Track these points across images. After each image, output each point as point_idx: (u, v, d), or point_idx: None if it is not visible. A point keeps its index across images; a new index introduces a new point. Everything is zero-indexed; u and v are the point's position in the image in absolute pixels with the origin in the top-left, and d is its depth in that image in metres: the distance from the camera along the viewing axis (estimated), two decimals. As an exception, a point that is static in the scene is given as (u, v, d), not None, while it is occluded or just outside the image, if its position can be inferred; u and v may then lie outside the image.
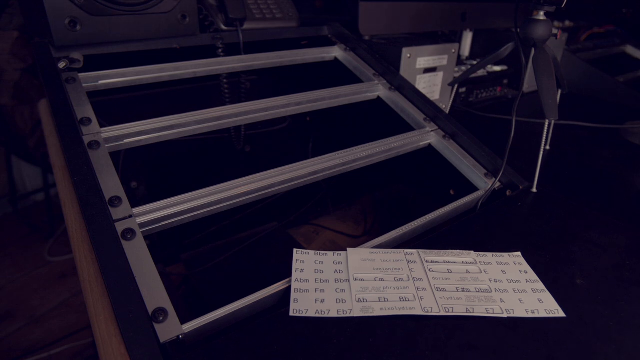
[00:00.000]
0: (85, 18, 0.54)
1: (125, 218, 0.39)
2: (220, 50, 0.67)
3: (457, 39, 0.99)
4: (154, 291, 0.34)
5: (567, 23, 1.28)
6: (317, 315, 0.36)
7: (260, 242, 0.81)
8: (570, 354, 0.33)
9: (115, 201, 0.40)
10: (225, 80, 0.69)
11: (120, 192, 0.41)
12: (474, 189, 0.56)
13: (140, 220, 0.40)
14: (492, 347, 0.34)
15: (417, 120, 0.63)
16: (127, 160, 0.74)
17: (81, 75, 0.54)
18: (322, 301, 0.37)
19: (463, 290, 0.39)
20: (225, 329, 0.36)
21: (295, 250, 0.42)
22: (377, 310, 0.36)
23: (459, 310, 0.36)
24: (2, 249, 1.77)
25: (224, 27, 0.68)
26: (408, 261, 0.42)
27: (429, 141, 0.61)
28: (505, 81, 0.98)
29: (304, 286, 0.38)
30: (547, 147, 0.71)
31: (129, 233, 0.38)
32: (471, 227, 0.47)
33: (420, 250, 0.43)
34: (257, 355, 0.32)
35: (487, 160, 0.56)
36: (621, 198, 0.57)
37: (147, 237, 0.40)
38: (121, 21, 0.57)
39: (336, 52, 0.75)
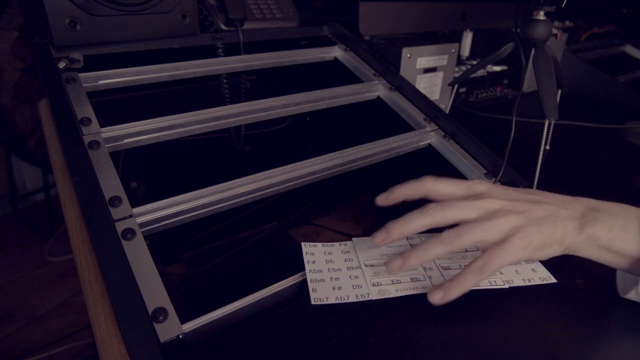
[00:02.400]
0: (85, 18, 0.54)
1: (125, 218, 0.39)
2: (220, 50, 0.67)
3: (457, 39, 0.99)
4: (154, 291, 0.34)
5: (567, 23, 1.28)
6: (337, 301, 0.37)
7: (260, 242, 0.81)
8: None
9: (115, 201, 0.40)
10: (225, 80, 0.69)
11: (120, 192, 0.41)
12: (474, 189, 0.56)
13: (140, 220, 0.40)
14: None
15: (417, 120, 0.63)
16: (127, 160, 0.74)
17: (81, 75, 0.54)
18: (340, 288, 0.39)
19: None
20: (225, 329, 0.36)
21: (303, 243, 0.44)
22: (393, 291, 0.38)
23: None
24: (2, 249, 1.77)
25: (224, 27, 0.68)
26: (411, 245, 0.44)
27: (429, 141, 0.61)
28: (505, 81, 0.98)
29: (318, 276, 0.40)
30: (547, 147, 0.71)
31: (129, 233, 0.38)
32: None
33: (421, 235, 0.45)
34: (257, 355, 0.32)
35: (487, 160, 0.56)
36: (621, 198, 0.57)
37: (147, 237, 0.40)
38: (121, 21, 0.57)
39: (336, 52, 0.75)
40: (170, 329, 0.32)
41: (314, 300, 0.37)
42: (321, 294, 0.38)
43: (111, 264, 0.35)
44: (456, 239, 0.35)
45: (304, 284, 0.40)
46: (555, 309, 0.38)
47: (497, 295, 0.39)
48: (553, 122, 0.59)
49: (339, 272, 0.41)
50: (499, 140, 0.57)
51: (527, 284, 0.40)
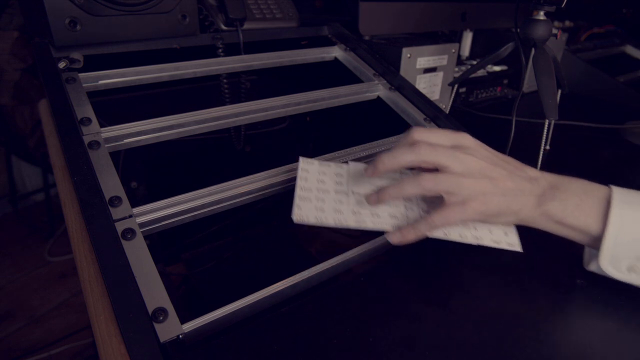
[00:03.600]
0: (85, 18, 0.54)
1: (125, 218, 0.39)
2: (220, 50, 0.67)
3: (457, 39, 0.99)
4: (154, 291, 0.34)
5: (567, 23, 1.28)
6: (317, 222, 0.40)
7: (260, 242, 0.81)
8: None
9: (115, 201, 0.40)
10: (225, 80, 0.69)
11: (120, 192, 0.41)
12: (474, 189, 0.56)
13: (140, 220, 0.40)
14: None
15: (417, 120, 0.63)
16: (127, 160, 0.74)
17: (81, 75, 0.54)
18: (322, 210, 0.41)
19: None
20: (225, 329, 0.36)
21: (301, 158, 0.45)
22: (369, 224, 0.41)
23: (437, 234, 0.40)
24: (2, 249, 1.77)
25: (224, 27, 0.68)
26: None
27: (429, 141, 0.61)
28: (505, 81, 0.98)
29: (306, 194, 0.42)
30: (547, 147, 0.71)
31: (129, 233, 0.38)
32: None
33: (414, 171, 0.46)
34: (257, 355, 0.32)
35: (487, 160, 0.56)
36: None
37: (147, 237, 0.40)
38: (121, 21, 0.57)
39: (336, 52, 0.75)
40: (170, 329, 0.32)
41: (295, 218, 0.39)
42: (304, 212, 0.40)
43: (111, 264, 0.35)
44: (430, 184, 0.38)
45: (304, 284, 0.40)
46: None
47: (498, 297, 0.39)
48: (553, 122, 0.59)
49: (326, 194, 0.42)
50: (499, 140, 0.57)
51: (495, 245, 0.41)
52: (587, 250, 0.42)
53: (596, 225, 0.37)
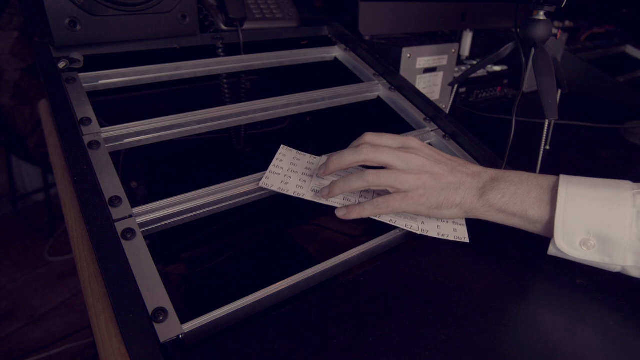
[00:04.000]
0: (85, 18, 0.54)
1: (125, 218, 0.39)
2: (220, 50, 0.67)
3: (457, 39, 0.99)
4: (154, 291, 0.34)
5: (567, 23, 1.28)
6: (279, 191, 0.46)
7: (260, 242, 0.81)
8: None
9: (115, 201, 0.40)
10: (225, 80, 0.69)
11: (120, 192, 0.41)
12: (474, 189, 0.56)
13: (140, 220, 0.40)
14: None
15: (417, 120, 0.63)
16: (127, 160, 0.74)
17: (81, 75, 0.54)
18: (286, 184, 0.47)
19: None
20: (225, 329, 0.36)
21: (282, 146, 0.52)
22: (324, 200, 0.45)
23: (385, 219, 0.45)
24: (2, 249, 1.77)
25: (224, 27, 0.68)
26: None
27: (429, 141, 0.61)
28: (505, 81, 0.98)
29: (277, 171, 0.48)
30: (547, 147, 0.71)
31: (129, 233, 0.38)
32: (471, 227, 0.47)
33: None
34: (257, 355, 0.32)
35: (487, 160, 0.56)
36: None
37: (147, 237, 0.40)
38: (121, 21, 0.57)
39: (336, 52, 0.75)
40: (170, 329, 0.32)
41: (261, 184, 0.46)
42: (270, 182, 0.46)
43: (111, 264, 0.35)
44: (373, 178, 0.42)
45: (304, 284, 0.40)
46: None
47: (498, 297, 0.39)
48: (553, 122, 0.59)
49: (294, 174, 0.48)
50: (499, 140, 0.57)
51: (441, 237, 0.44)
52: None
53: (534, 210, 0.40)
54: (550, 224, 0.39)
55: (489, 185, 0.42)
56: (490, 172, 0.44)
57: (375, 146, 0.44)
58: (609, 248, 0.37)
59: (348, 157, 0.44)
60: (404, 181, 0.42)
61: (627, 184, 0.38)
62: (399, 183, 0.42)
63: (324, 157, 0.51)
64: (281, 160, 0.50)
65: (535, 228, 0.41)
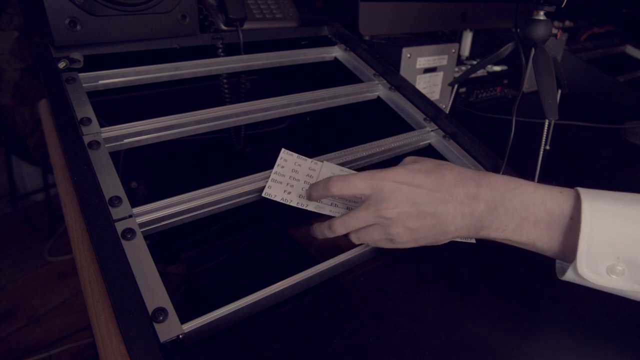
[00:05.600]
0: (85, 18, 0.54)
1: (125, 218, 0.39)
2: (220, 50, 0.67)
3: (457, 39, 0.99)
4: (154, 291, 0.34)
5: (567, 23, 1.28)
6: (282, 201, 0.46)
7: (260, 242, 0.81)
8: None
9: (115, 201, 0.40)
10: (225, 80, 0.69)
11: (120, 192, 0.41)
12: (474, 189, 0.56)
13: (140, 220, 0.40)
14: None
15: (417, 120, 0.63)
16: (127, 160, 0.74)
17: (81, 75, 0.54)
18: (289, 193, 0.46)
19: None
20: (225, 329, 0.36)
21: (283, 149, 0.50)
22: (327, 211, 0.45)
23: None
24: (2, 249, 1.77)
25: (224, 27, 0.68)
26: None
27: (429, 141, 0.61)
28: (505, 81, 0.98)
29: (279, 179, 0.48)
30: (547, 147, 0.71)
31: (129, 233, 0.38)
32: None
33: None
34: (257, 355, 0.32)
35: (487, 160, 0.56)
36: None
37: (147, 237, 0.40)
38: (121, 21, 0.57)
39: (336, 52, 0.75)
40: (170, 329, 0.32)
41: (264, 194, 0.46)
42: (272, 192, 0.46)
43: (111, 264, 0.35)
44: (357, 240, 0.42)
45: (304, 284, 0.40)
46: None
47: (498, 297, 0.39)
48: (553, 122, 0.59)
49: (296, 182, 0.47)
50: (499, 140, 0.57)
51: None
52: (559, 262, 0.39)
53: (543, 241, 0.36)
54: (565, 251, 0.35)
55: (486, 218, 0.37)
56: (487, 198, 0.37)
57: (343, 219, 0.41)
58: None
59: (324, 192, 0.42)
60: (394, 242, 0.40)
61: None
62: (390, 243, 0.41)
63: (325, 164, 0.50)
64: (282, 167, 0.49)
65: (546, 254, 0.37)
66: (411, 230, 0.39)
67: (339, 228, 0.41)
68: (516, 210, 0.36)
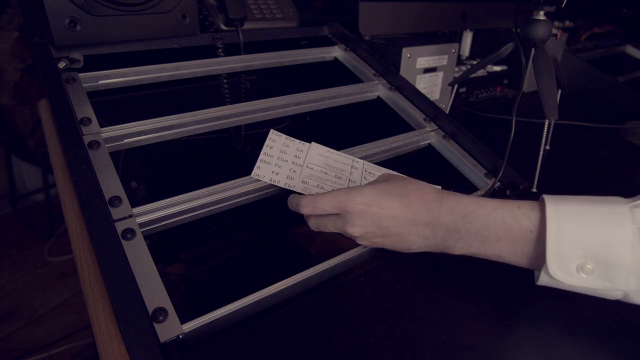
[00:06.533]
0: (85, 18, 0.54)
1: (125, 218, 0.39)
2: (220, 50, 0.67)
3: (457, 39, 0.99)
4: (154, 291, 0.34)
5: (567, 23, 1.28)
6: (270, 182, 0.47)
7: (260, 242, 0.81)
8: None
9: (115, 201, 0.40)
10: (225, 80, 0.69)
11: (120, 192, 0.41)
12: (474, 188, 0.56)
13: (140, 220, 0.40)
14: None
15: (417, 120, 0.63)
16: (127, 160, 0.74)
17: (81, 75, 0.54)
18: (277, 174, 0.47)
19: None
20: (225, 329, 0.36)
21: (271, 130, 0.52)
22: (314, 191, 0.46)
23: None
24: (2, 249, 1.77)
25: (224, 27, 0.68)
26: (352, 167, 0.51)
27: (429, 141, 0.61)
28: (505, 81, 0.98)
29: (268, 159, 0.49)
30: (547, 147, 0.71)
31: (129, 233, 0.38)
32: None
33: (366, 162, 0.52)
34: (257, 355, 0.32)
35: (487, 160, 0.56)
36: (621, 198, 0.57)
37: (147, 237, 0.40)
38: (121, 21, 0.57)
39: (336, 52, 0.75)
40: (170, 329, 0.32)
41: (253, 175, 0.47)
42: (261, 172, 0.47)
43: (111, 264, 0.35)
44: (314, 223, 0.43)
45: (304, 284, 0.40)
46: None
47: (498, 297, 0.39)
48: (553, 122, 0.59)
49: (284, 163, 0.49)
50: (499, 140, 0.57)
51: None
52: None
53: (508, 256, 0.36)
54: (532, 260, 0.36)
55: (449, 239, 0.38)
56: (447, 222, 0.38)
57: (317, 226, 0.43)
58: (609, 272, 0.32)
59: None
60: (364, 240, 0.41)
61: (618, 198, 0.34)
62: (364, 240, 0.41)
63: (313, 144, 0.52)
64: (271, 147, 0.50)
65: (516, 264, 0.37)
66: (376, 243, 0.41)
67: (312, 226, 0.43)
68: (478, 231, 0.37)
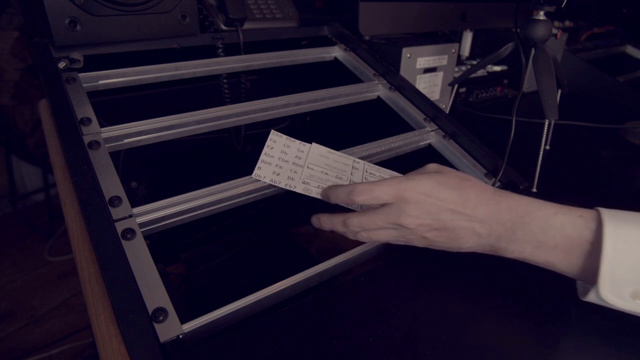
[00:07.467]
0: (85, 18, 0.54)
1: (125, 218, 0.39)
2: (220, 50, 0.67)
3: (457, 39, 0.99)
4: (154, 291, 0.34)
5: (567, 23, 1.28)
6: (271, 183, 0.46)
7: (260, 242, 0.81)
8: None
9: (115, 201, 0.40)
10: (225, 80, 0.69)
11: (120, 192, 0.41)
12: (474, 189, 0.56)
13: (140, 220, 0.40)
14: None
15: (417, 120, 0.63)
16: (127, 160, 0.74)
17: (81, 75, 0.54)
18: (278, 175, 0.47)
19: None
20: (225, 329, 0.36)
21: (272, 130, 0.52)
22: (314, 193, 0.45)
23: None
24: (2, 249, 1.77)
25: (224, 27, 0.68)
26: (353, 167, 0.51)
27: (429, 141, 0.61)
28: (505, 81, 0.98)
29: (269, 160, 0.49)
30: (547, 147, 0.71)
31: (129, 233, 0.38)
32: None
33: (367, 163, 0.52)
34: (257, 355, 0.32)
35: (487, 160, 0.56)
36: (621, 198, 0.57)
37: (147, 237, 0.40)
38: (121, 21, 0.57)
39: (336, 52, 0.75)
40: (170, 329, 0.32)
41: (254, 175, 0.47)
42: (262, 173, 0.47)
43: (111, 264, 0.35)
44: (367, 238, 0.41)
45: (304, 284, 0.40)
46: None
47: (498, 298, 0.39)
48: (553, 122, 0.59)
49: (285, 163, 0.48)
50: (499, 140, 0.57)
51: None
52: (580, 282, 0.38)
53: (562, 265, 0.35)
54: (585, 272, 0.34)
55: (503, 241, 0.36)
56: (505, 221, 0.36)
57: (367, 233, 0.40)
58: None
59: (338, 231, 0.42)
60: (407, 243, 0.41)
61: None
62: (400, 242, 0.41)
63: (314, 145, 0.52)
64: (272, 148, 0.50)
65: (566, 275, 0.36)
66: (427, 239, 0.39)
67: (355, 227, 0.40)
68: (535, 234, 0.35)
